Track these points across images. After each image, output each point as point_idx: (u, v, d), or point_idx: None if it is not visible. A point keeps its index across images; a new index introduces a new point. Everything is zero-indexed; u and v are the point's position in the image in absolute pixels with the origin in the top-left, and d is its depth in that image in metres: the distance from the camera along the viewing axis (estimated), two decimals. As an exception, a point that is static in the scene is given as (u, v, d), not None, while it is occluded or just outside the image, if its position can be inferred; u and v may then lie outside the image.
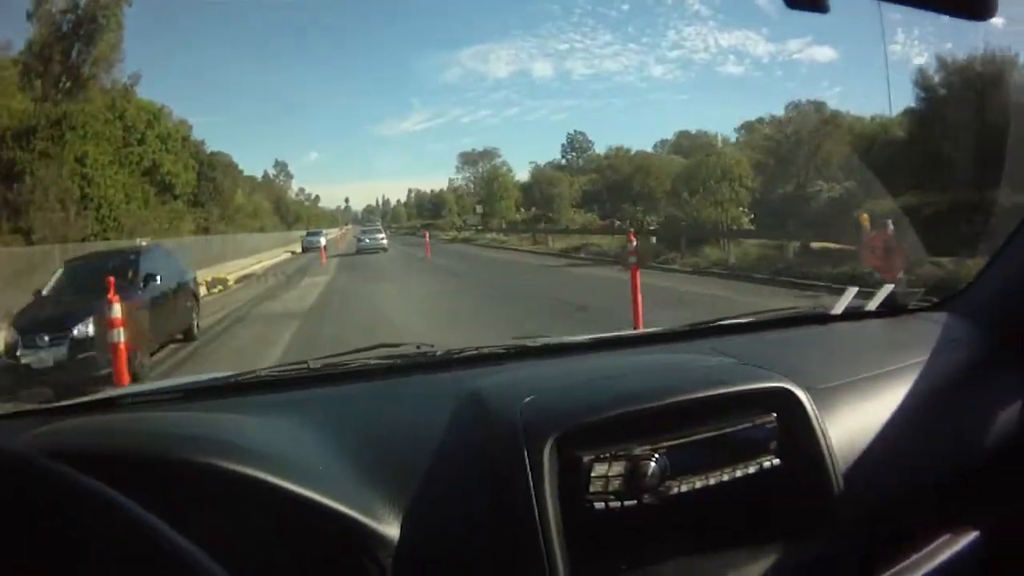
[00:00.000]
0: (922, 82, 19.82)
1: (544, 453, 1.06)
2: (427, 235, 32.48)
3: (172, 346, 9.78)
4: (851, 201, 18.30)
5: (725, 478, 1.15)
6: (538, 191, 45.24)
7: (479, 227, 45.06)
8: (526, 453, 1.06)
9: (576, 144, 53.45)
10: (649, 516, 1.11)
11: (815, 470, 1.21)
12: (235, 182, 38.83)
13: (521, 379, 1.38)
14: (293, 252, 32.17)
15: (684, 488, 1.12)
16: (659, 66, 58.88)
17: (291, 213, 60.39)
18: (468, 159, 56.19)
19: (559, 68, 66.99)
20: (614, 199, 39.74)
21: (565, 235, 30.74)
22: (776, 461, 1.19)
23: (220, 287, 17.57)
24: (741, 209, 22.71)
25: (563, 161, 50.24)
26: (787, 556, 1.15)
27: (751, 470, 1.17)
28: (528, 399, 1.17)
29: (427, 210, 66.48)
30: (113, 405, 1.40)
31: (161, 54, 58.07)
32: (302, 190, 70.52)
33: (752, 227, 21.09)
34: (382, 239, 31.28)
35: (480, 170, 53.93)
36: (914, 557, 1.26)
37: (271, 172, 63.62)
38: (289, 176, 69.16)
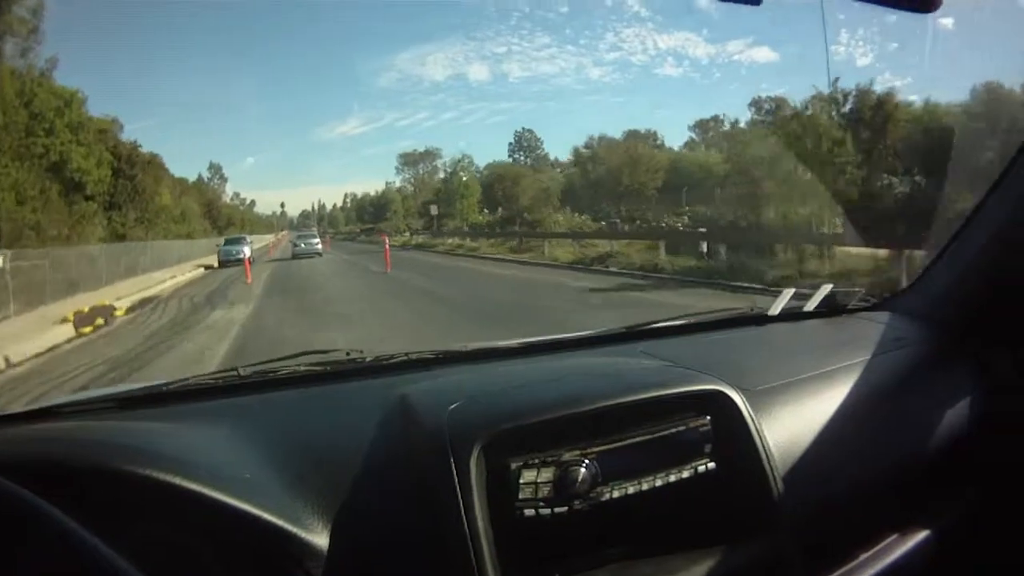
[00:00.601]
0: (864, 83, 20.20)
1: (471, 460, 1.04)
2: (386, 240, 26.18)
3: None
4: (922, 198, 16.29)
5: (658, 483, 1.13)
6: (500, 190, 42.96)
7: (433, 230, 42.44)
8: (452, 460, 1.05)
9: (524, 143, 51.86)
10: (581, 523, 1.09)
11: (752, 473, 1.19)
12: (158, 182, 35.12)
13: (448, 385, 1.38)
14: (208, 267, 26.15)
15: (616, 494, 1.10)
16: (597, 68, 60.10)
17: (223, 218, 57.17)
18: (408, 160, 55.57)
19: (496, 71, 68.26)
20: (596, 196, 37.12)
21: (548, 240, 27.60)
22: (711, 465, 1.17)
23: (100, 320, 11.33)
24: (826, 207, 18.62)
25: (511, 161, 48.89)
26: (725, 561, 1.13)
27: (685, 474, 1.15)
28: (454, 405, 1.15)
29: (368, 213, 64.88)
30: (50, 415, 1.36)
31: (91, 56, 56.86)
32: (237, 195, 68.31)
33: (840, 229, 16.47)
34: (317, 244, 30.77)
35: (421, 171, 54.01)
36: (862, 558, 1.26)
37: (205, 175, 60.86)
38: (224, 179, 66.40)
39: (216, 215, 56.38)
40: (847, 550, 1.27)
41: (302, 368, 1.55)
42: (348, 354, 1.62)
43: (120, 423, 1.31)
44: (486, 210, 42.43)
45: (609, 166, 38.42)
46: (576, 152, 45.08)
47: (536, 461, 1.09)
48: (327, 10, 67.00)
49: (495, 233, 33.41)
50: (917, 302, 1.82)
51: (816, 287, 1.98)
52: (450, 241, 35.03)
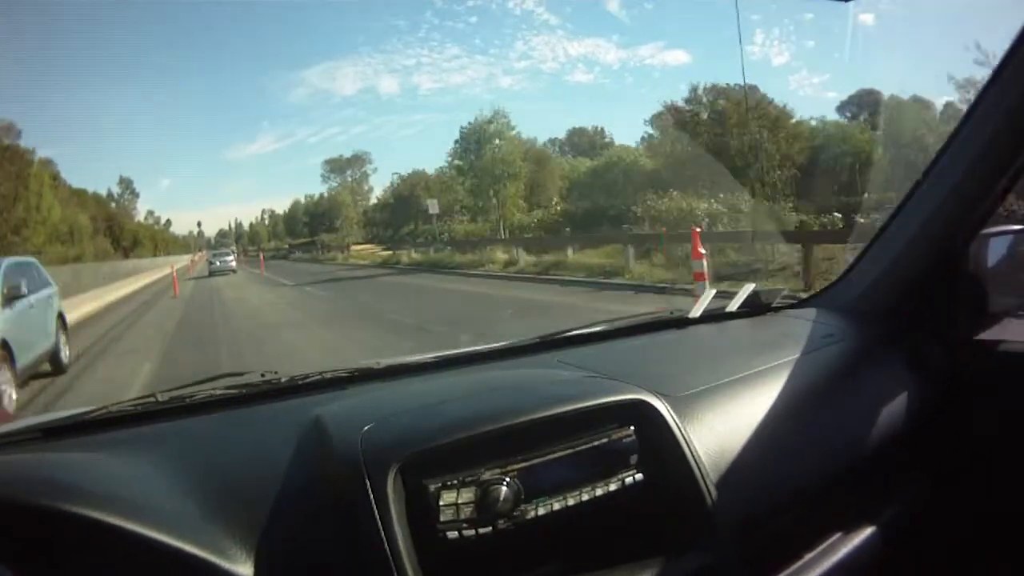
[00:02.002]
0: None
1: (388, 483, 1.03)
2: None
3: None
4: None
5: (584, 497, 1.11)
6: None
7: (419, 240, 35.60)
8: (368, 484, 1.03)
9: (473, 138, 46.82)
10: (507, 543, 1.07)
11: (683, 481, 1.18)
12: (24, 182, 29.70)
13: (361, 405, 1.34)
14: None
15: (541, 511, 1.09)
16: (507, 77, 59.49)
17: (127, 236, 49.59)
18: (335, 166, 53.92)
19: (405, 83, 68.35)
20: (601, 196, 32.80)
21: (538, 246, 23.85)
22: (639, 476, 1.16)
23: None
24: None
25: (459, 162, 43.64)
26: (662, 572, 1.12)
27: (612, 487, 1.14)
28: (367, 427, 1.13)
29: (302, 225, 59.24)
30: None
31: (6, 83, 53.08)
32: (151, 213, 65.44)
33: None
34: (231, 261, 33.35)
35: (349, 178, 52.52)
36: (807, 558, 1.26)
37: (115, 191, 56.98)
38: (135, 195, 63.43)
39: (118, 233, 47.28)
40: (790, 552, 1.25)
41: (219, 392, 1.49)
42: (263, 375, 1.57)
43: (43, 455, 1.26)
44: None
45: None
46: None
47: (455, 482, 1.05)
48: (234, 25, 67.58)
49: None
50: (845, 297, 1.84)
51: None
52: (500, 255, 24.66)
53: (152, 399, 1.46)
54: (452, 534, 1.04)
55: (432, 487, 1.05)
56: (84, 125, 70.66)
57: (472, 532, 1.05)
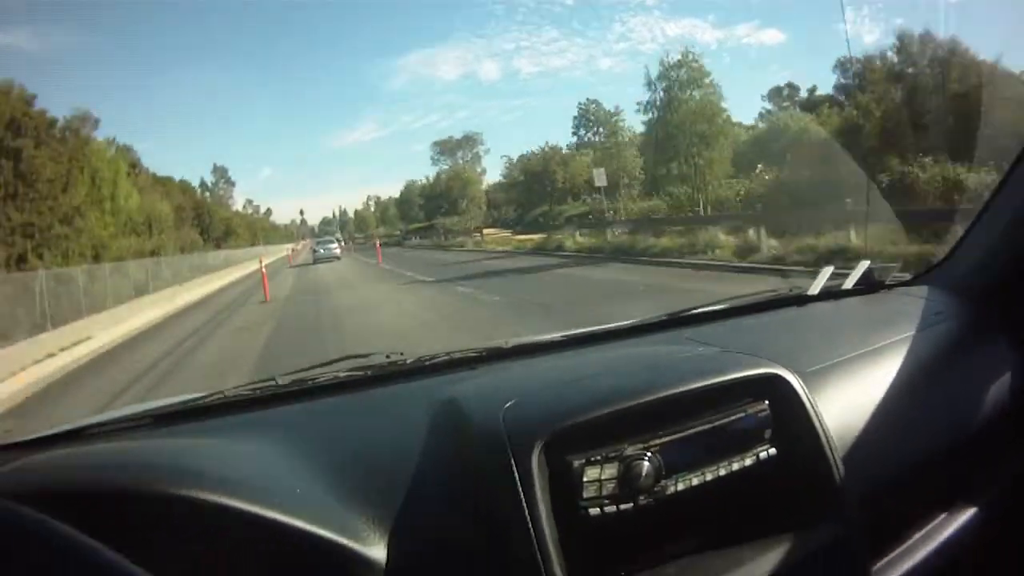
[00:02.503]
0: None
1: (532, 460, 1.01)
2: None
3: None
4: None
5: (722, 472, 1.10)
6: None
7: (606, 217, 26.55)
8: (513, 461, 1.01)
9: (591, 117, 42.94)
10: (646, 518, 1.07)
11: (813, 456, 1.17)
12: (83, 167, 24.90)
13: (499, 383, 1.33)
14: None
15: (680, 486, 1.08)
16: (606, 59, 59.30)
17: (218, 227, 45.41)
18: (445, 148, 50.44)
19: (506, 68, 67.27)
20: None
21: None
22: (772, 450, 1.15)
23: None
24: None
25: (574, 140, 41.63)
26: (794, 547, 1.11)
27: (748, 462, 1.13)
28: (509, 404, 1.12)
29: (419, 208, 54.20)
30: (78, 436, 1.33)
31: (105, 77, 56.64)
32: (250, 202, 66.12)
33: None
34: (335, 249, 33.60)
35: (460, 160, 49.46)
36: (915, 538, 1.26)
37: (208, 180, 55.58)
38: (230, 184, 62.57)
39: (208, 223, 41.51)
40: (900, 531, 1.26)
41: (342, 374, 1.50)
42: (388, 357, 1.57)
43: (155, 441, 1.28)
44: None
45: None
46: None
47: (599, 457, 1.04)
48: (332, 15, 67.91)
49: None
50: (953, 274, 1.79)
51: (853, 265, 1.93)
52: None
53: (272, 382, 1.46)
54: (594, 510, 1.02)
55: (576, 463, 1.02)
56: (181, 116, 70.70)
57: (614, 508, 1.02)
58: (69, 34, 56.91)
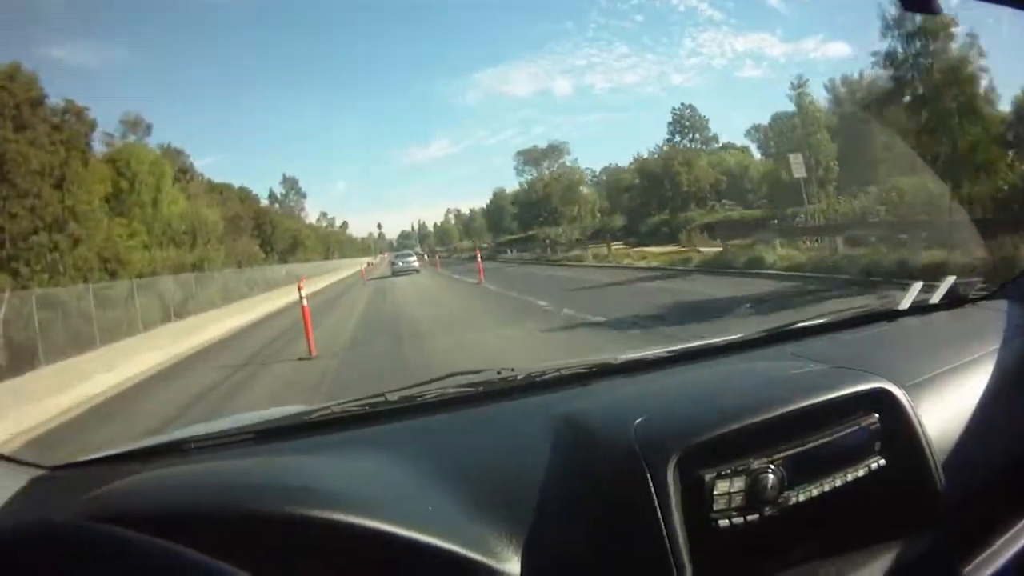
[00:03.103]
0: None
1: (668, 474, 1.03)
2: None
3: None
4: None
5: (838, 483, 1.12)
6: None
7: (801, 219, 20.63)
8: (649, 476, 1.02)
9: (687, 123, 42.78)
10: (767, 528, 1.08)
11: (917, 466, 1.19)
12: (92, 168, 20.58)
13: (621, 399, 1.34)
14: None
15: (801, 497, 1.10)
16: (678, 75, 58.83)
17: (282, 238, 40.29)
18: (530, 158, 47.24)
19: (579, 83, 69.20)
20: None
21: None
22: (881, 462, 1.17)
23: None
24: None
25: (668, 145, 40.39)
26: (898, 554, 1.14)
27: (860, 472, 1.15)
28: (640, 420, 1.13)
29: (513, 217, 49.83)
30: (179, 450, 1.34)
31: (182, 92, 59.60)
32: (324, 215, 64.78)
33: None
34: (413, 262, 33.53)
35: (546, 170, 45.65)
36: (997, 544, 1.26)
37: (278, 191, 53.13)
38: (300, 195, 60.31)
39: (270, 235, 35.88)
40: (987, 535, 1.26)
41: (451, 390, 1.50)
42: (499, 373, 1.58)
43: (263, 459, 1.28)
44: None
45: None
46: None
47: (728, 471, 1.05)
48: (406, 33, 71.83)
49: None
50: None
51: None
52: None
53: (381, 398, 1.48)
54: (723, 522, 1.03)
55: (708, 477, 1.04)
56: (258, 131, 72.09)
57: (741, 520, 1.04)
58: (154, 49, 58.05)
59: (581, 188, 41.14)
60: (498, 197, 52.61)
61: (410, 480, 1.10)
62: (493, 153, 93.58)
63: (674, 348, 1.68)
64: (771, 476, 1.06)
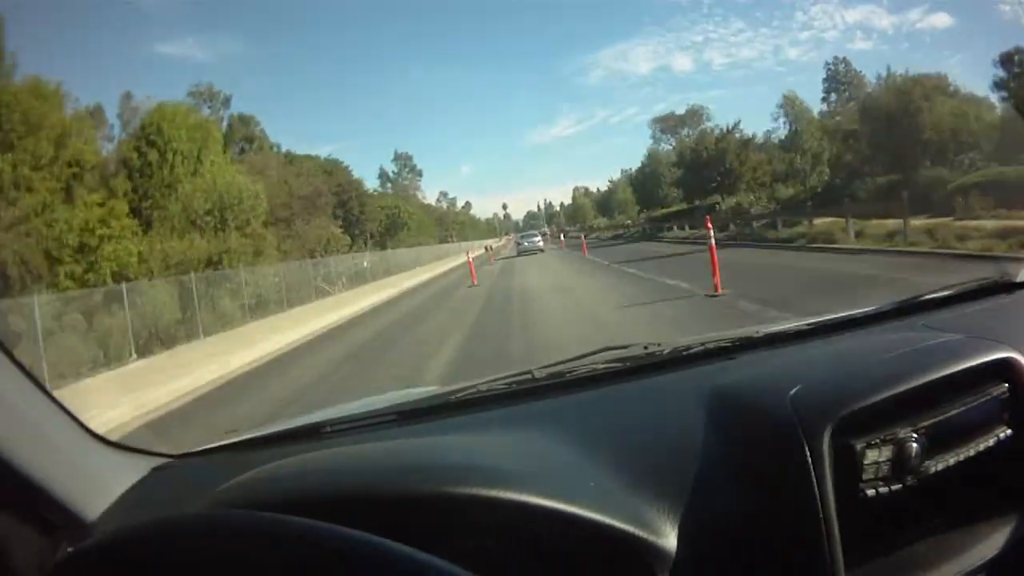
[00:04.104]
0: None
1: (824, 443, 1.02)
2: None
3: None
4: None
5: (971, 452, 1.13)
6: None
7: None
8: (806, 445, 1.02)
9: (841, 79, 38.51)
10: (908, 498, 1.09)
11: None
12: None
13: (771, 370, 1.33)
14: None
15: (940, 467, 1.11)
16: (793, 49, 57.14)
17: (373, 217, 33.71)
18: (667, 125, 45.25)
19: (698, 59, 67.27)
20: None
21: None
22: (1008, 431, 1.18)
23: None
24: None
25: (823, 106, 36.61)
26: (1021, 526, 1.15)
27: (991, 442, 1.16)
28: (795, 389, 1.12)
29: (673, 184, 39.62)
30: (313, 435, 1.35)
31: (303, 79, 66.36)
32: (444, 195, 67.52)
33: None
34: (538, 242, 34.75)
35: (685, 137, 42.34)
36: None
37: (390, 169, 56.79)
38: (415, 173, 61.64)
39: (357, 215, 29.91)
40: None
41: (600, 366, 1.48)
42: (646, 348, 1.56)
43: (410, 440, 1.27)
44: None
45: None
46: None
47: (877, 440, 1.06)
48: (528, 13, 74.51)
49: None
50: None
51: None
52: None
53: (528, 376, 1.47)
54: (871, 491, 1.04)
55: (859, 446, 1.05)
56: (385, 119, 79.16)
57: (886, 489, 1.05)
58: (268, 40, 63.97)
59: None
60: (653, 157, 42.94)
61: (565, 456, 1.10)
62: (616, 132, 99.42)
63: (813, 320, 1.65)
64: (915, 445, 1.07)
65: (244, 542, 0.71)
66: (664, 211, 36.65)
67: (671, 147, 42.38)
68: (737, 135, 30.99)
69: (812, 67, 64.00)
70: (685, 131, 43.04)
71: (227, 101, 29.81)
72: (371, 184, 51.29)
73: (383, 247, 31.32)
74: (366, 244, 30.05)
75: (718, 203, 28.37)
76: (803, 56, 59.20)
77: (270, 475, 1.06)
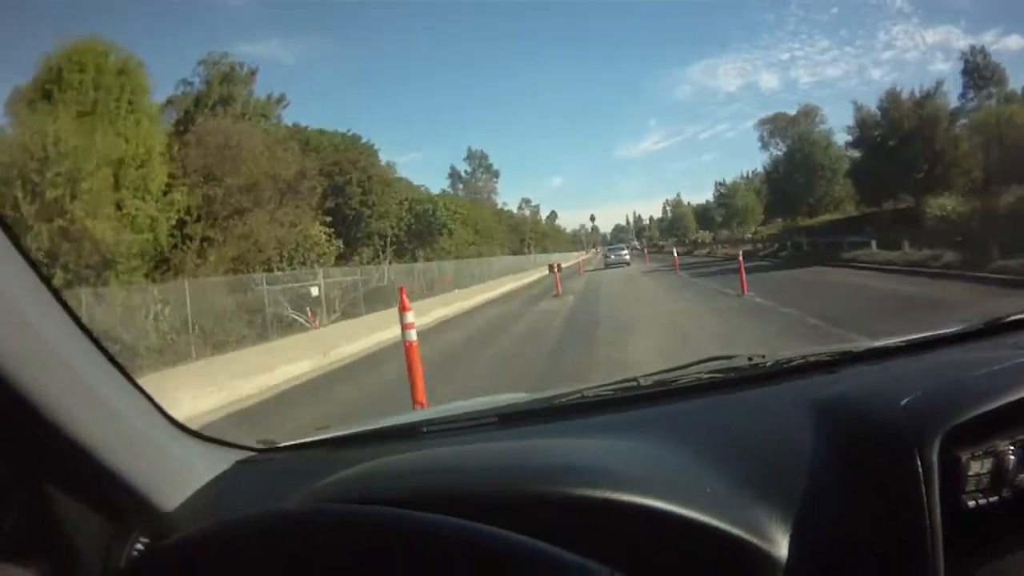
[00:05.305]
0: None
1: (934, 452, 1.03)
2: None
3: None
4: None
5: None
6: None
7: None
8: (917, 454, 1.02)
9: (979, 72, 29.94)
10: (1002, 511, 1.07)
11: None
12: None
13: (879, 382, 1.34)
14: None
15: None
16: (876, 69, 59.79)
17: (380, 212, 22.93)
18: (778, 125, 38.66)
19: (784, 78, 58.35)
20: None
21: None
22: None
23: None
24: None
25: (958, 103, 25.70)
26: None
27: None
28: (907, 399, 1.13)
29: (848, 173, 27.96)
30: (410, 435, 1.37)
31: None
32: (527, 201, 67.89)
33: None
34: (625, 255, 38.74)
35: (797, 139, 35.09)
36: None
37: (463, 169, 55.84)
38: (491, 173, 58.71)
39: (358, 211, 21.53)
40: None
41: (705, 376, 1.50)
42: (750, 359, 1.58)
43: (513, 443, 1.28)
44: None
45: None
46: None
47: (980, 452, 1.07)
48: (614, 28, 62.70)
49: None
50: None
51: None
52: None
53: (633, 383, 1.47)
54: (971, 503, 1.04)
55: (964, 457, 1.05)
56: (479, 132, 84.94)
57: (985, 501, 1.05)
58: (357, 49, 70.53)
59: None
60: (805, 140, 32.42)
61: (676, 462, 1.11)
62: (705, 149, 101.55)
63: (910, 337, 1.64)
64: (1013, 458, 1.08)
65: (380, 539, 0.74)
66: (819, 220, 26.21)
67: (780, 153, 37.29)
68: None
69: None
70: (798, 132, 37.59)
71: (252, 74, 22.94)
72: (440, 185, 46.50)
73: (410, 256, 22.40)
74: (382, 253, 21.05)
75: (920, 206, 17.86)
76: (885, 77, 61.42)
77: (367, 473, 1.06)
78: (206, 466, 1.17)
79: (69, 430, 0.90)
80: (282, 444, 1.35)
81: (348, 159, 20.58)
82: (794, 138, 32.94)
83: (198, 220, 17.85)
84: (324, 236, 18.19)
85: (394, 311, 7.89)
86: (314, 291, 13.85)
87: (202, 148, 18.11)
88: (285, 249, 17.16)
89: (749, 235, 38.09)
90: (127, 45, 16.99)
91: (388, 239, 21.54)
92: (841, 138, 29.03)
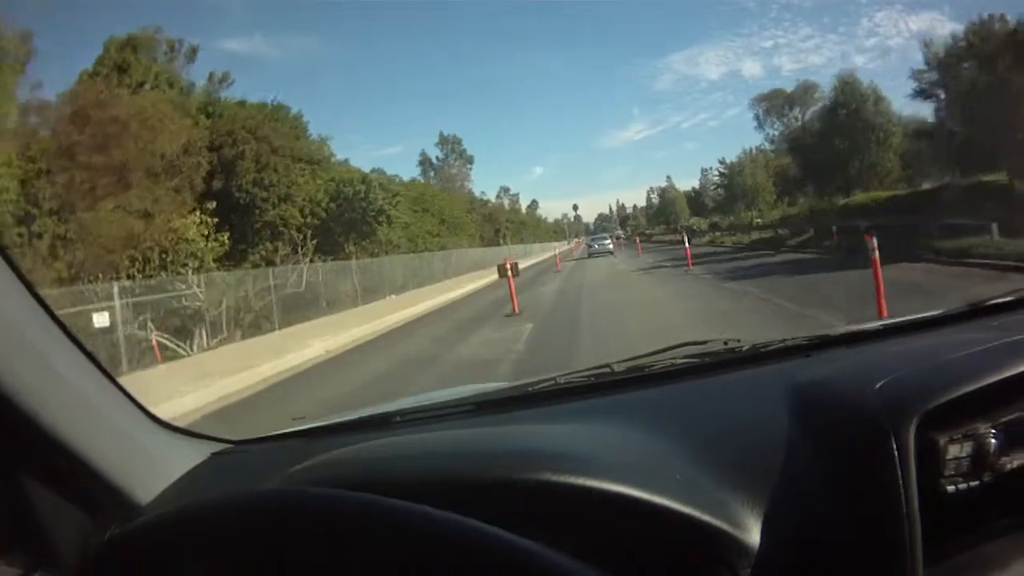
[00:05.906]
0: None
1: (910, 435, 1.03)
2: None
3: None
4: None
5: None
6: None
7: None
8: (892, 438, 1.03)
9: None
10: (983, 495, 1.09)
11: None
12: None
13: (853, 366, 1.36)
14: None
15: (1015, 464, 1.11)
16: (859, 56, 60.23)
17: (277, 194, 18.01)
18: (774, 104, 37.42)
19: (767, 65, 69.98)
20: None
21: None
22: None
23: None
24: None
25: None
26: None
27: None
28: (882, 382, 1.14)
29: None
30: (387, 423, 1.37)
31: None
32: (506, 190, 66.66)
33: None
34: (608, 245, 39.06)
35: (794, 119, 36.09)
36: None
37: (434, 156, 52.97)
38: (464, 159, 55.67)
39: (251, 197, 16.74)
40: None
41: (680, 361, 1.52)
42: (726, 343, 1.60)
43: (486, 429, 1.28)
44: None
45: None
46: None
47: (959, 436, 1.07)
48: (595, 18, 73.70)
49: None
50: None
51: None
52: None
53: (607, 369, 1.48)
54: (950, 487, 1.05)
55: (942, 440, 1.06)
56: (462, 122, 73.28)
57: (964, 485, 1.06)
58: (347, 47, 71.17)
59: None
60: (850, 85, 26.10)
61: (647, 448, 1.11)
62: (688, 138, 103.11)
63: (888, 321, 1.71)
64: (994, 441, 1.07)
65: (334, 520, 0.74)
66: (876, 196, 20.52)
67: (778, 132, 37.05)
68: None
69: (878, 76, 64.07)
70: (796, 111, 36.40)
71: (192, 53, 20.30)
72: (410, 173, 44.52)
73: (332, 253, 17.67)
74: (300, 250, 16.34)
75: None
76: (869, 64, 62.80)
77: (337, 460, 1.06)
78: (182, 459, 1.19)
79: (46, 424, 0.92)
80: (257, 436, 1.36)
81: (245, 128, 15.77)
82: (836, 89, 26.97)
83: (53, 213, 13.50)
84: (199, 229, 13.58)
85: (323, 321, 8.02)
86: (99, 319, 9.04)
87: (78, 123, 13.73)
88: (139, 249, 12.54)
89: (759, 220, 33.09)
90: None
91: (303, 230, 16.81)
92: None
